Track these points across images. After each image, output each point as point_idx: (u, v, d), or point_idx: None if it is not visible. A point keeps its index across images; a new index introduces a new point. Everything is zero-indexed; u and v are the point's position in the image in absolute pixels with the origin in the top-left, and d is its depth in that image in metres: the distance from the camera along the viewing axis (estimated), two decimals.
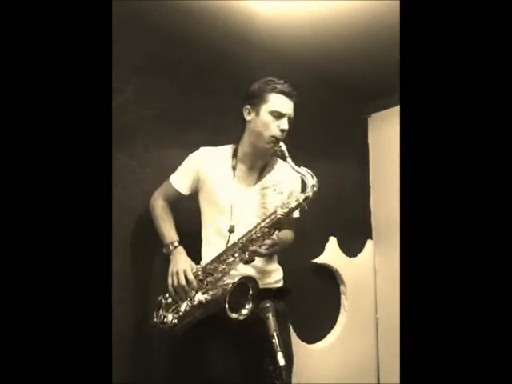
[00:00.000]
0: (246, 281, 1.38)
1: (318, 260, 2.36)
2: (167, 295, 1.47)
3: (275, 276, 1.60)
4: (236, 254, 1.43)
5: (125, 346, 1.56)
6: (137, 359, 1.63)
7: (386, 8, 1.77)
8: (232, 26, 1.96)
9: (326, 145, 2.46)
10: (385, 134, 2.61)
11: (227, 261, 1.44)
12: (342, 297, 2.46)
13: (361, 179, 2.69)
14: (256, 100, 1.53)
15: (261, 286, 1.44)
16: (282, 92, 1.51)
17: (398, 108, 2.23)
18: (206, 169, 1.57)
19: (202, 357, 1.67)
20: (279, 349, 1.25)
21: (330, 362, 2.28)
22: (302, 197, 1.44)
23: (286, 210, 1.42)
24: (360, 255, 2.59)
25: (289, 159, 1.46)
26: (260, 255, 1.44)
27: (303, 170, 1.45)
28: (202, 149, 1.62)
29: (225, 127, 1.98)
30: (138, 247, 1.69)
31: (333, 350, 2.33)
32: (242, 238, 1.43)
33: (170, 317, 1.43)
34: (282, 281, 1.64)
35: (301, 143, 1.69)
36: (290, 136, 1.57)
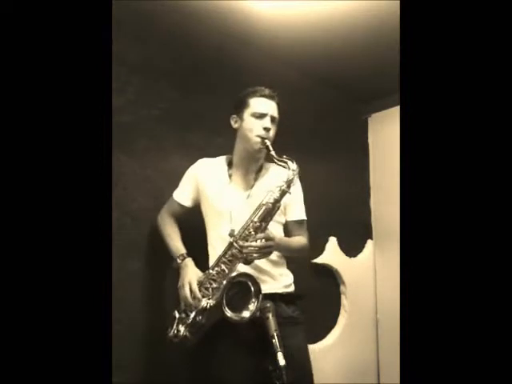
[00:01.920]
0: (245, 279, 1.39)
1: (318, 260, 2.36)
2: (180, 309, 1.49)
3: (283, 281, 1.60)
4: (234, 254, 1.44)
5: (125, 346, 1.55)
6: (137, 359, 1.63)
7: (386, 8, 1.77)
8: (231, 26, 1.96)
9: (326, 145, 2.46)
10: (385, 134, 2.61)
11: (227, 263, 1.45)
12: (342, 297, 2.46)
13: (361, 179, 2.69)
14: (240, 108, 1.61)
15: (268, 291, 1.46)
16: (261, 95, 1.59)
17: (397, 108, 2.22)
18: (204, 178, 1.64)
19: (202, 357, 1.67)
20: (279, 349, 1.25)
21: (330, 362, 2.28)
22: (284, 184, 1.47)
23: (272, 200, 1.45)
24: (360, 255, 2.59)
25: (272, 152, 1.51)
26: (255, 251, 1.42)
27: (284, 158, 1.50)
28: (198, 161, 1.69)
29: (225, 127, 1.98)
30: (138, 247, 1.69)
31: (333, 349, 2.33)
32: (235, 236, 1.44)
33: (182, 329, 1.45)
34: (292, 286, 1.64)
35: (301, 143, 1.69)
36: (290, 136, 1.58)
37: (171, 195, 1.69)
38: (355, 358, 2.41)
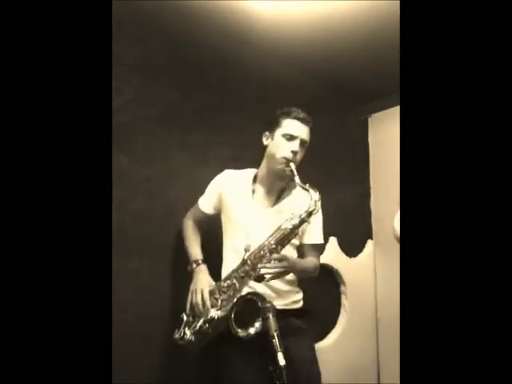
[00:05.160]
0: (256, 298, 1.39)
1: None
2: (188, 312, 1.53)
3: (293, 297, 1.62)
4: (246, 272, 1.46)
5: (125, 346, 1.55)
6: (137, 359, 1.63)
7: (386, 8, 1.77)
8: (231, 26, 1.96)
9: (325, 145, 2.46)
10: (385, 135, 2.61)
11: (239, 278, 1.47)
12: (342, 297, 2.46)
13: (361, 179, 2.69)
14: (272, 126, 1.62)
15: (276, 307, 1.46)
16: (295, 117, 1.59)
17: (397, 108, 2.22)
18: (228, 190, 1.66)
19: (202, 357, 1.67)
20: (279, 349, 1.25)
21: (330, 362, 2.27)
22: (304, 214, 1.49)
23: (291, 226, 1.48)
24: (360, 255, 2.59)
25: (296, 177, 1.52)
26: (268, 272, 1.44)
27: (307, 186, 1.52)
28: (225, 171, 1.71)
29: (224, 127, 1.99)
30: (138, 247, 1.69)
31: (333, 350, 2.33)
32: (250, 255, 1.47)
33: (188, 333, 1.49)
34: (301, 302, 1.67)
35: None
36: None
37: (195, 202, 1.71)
38: (355, 357, 2.41)
